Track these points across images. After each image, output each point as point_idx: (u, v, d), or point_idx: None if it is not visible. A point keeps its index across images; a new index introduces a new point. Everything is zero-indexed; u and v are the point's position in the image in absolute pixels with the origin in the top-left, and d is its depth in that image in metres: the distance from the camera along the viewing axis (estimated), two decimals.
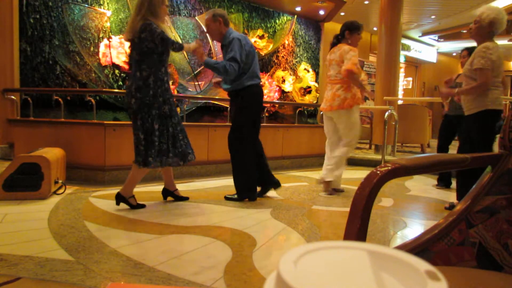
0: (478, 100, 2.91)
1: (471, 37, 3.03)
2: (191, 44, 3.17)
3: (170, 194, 3.22)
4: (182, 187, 3.83)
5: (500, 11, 2.89)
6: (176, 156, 2.95)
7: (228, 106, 5.95)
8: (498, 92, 2.90)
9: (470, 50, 3.89)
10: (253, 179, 3.34)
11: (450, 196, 3.90)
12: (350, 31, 3.64)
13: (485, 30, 2.87)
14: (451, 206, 3.13)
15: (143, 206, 2.96)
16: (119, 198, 2.89)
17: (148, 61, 2.83)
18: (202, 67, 6.41)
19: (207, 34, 3.37)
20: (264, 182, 3.48)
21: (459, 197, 3.17)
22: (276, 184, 3.52)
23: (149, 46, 2.80)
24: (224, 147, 4.82)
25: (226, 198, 3.31)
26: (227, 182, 4.14)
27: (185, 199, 3.23)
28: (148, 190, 3.56)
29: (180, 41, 6.05)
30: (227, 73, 3.11)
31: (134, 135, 2.88)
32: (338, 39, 3.71)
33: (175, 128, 2.95)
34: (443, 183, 4.32)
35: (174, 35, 5.96)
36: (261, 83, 3.41)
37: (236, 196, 3.30)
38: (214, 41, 6.36)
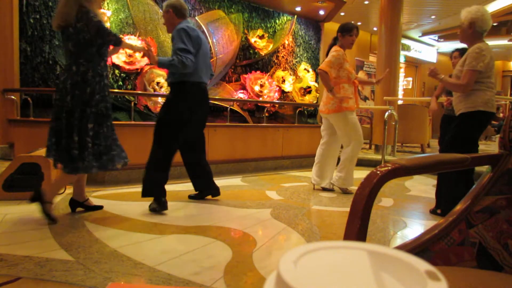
0: (469, 100, 2.85)
1: (461, 42, 3.02)
2: (137, 46, 3.01)
3: (80, 205, 2.85)
4: (182, 187, 3.83)
5: (478, 9, 2.83)
6: (111, 160, 2.64)
7: (228, 106, 5.96)
8: (490, 93, 2.85)
9: (461, 51, 3.87)
10: (160, 184, 2.96)
11: None
12: (342, 33, 3.70)
13: (467, 32, 2.83)
14: (433, 210, 3.14)
15: (53, 219, 2.54)
16: (35, 199, 2.53)
17: (85, 54, 2.52)
18: None
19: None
20: (203, 188, 3.32)
21: (438, 203, 3.15)
22: (215, 191, 3.33)
23: (87, 37, 2.50)
24: (225, 147, 4.84)
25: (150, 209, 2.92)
26: (227, 182, 4.14)
27: (99, 208, 2.90)
28: None
29: None
30: (185, 67, 2.79)
31: (65, 137, 2.51)
32: (334, 41, 3.79)
33: (110, 129, 2.66)
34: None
35: None
36: (204, 83, 3.08)
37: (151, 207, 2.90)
38: (215, 41, 6.37)
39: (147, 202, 3.10)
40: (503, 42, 11.55)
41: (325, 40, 8.69)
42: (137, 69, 5.40)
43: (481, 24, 2.79)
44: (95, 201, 3.06)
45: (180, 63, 2.76)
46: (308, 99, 7.76)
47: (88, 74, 2.53)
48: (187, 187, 3.86)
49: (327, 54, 3.83)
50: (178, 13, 2.96)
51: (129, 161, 2.77)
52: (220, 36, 6.56)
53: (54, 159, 2.58)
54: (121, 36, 2.56)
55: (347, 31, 3.67)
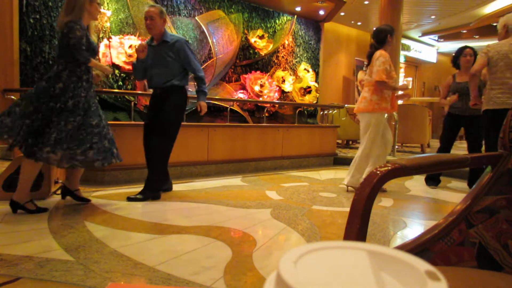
0: (484, 100, 3.19)
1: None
2: (101, 65, 3.13)
3: (70, 193, 3.01)
4: (182, 187, 3.83)
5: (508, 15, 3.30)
6: (71, 157, 2.69)
7: (228, 106, 5.96)
8: (495, 91, 2.98)
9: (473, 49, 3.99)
10: (163, 179, 3.41)
11: (450, 196, 3.91)
12: (391, 35, 3.74)
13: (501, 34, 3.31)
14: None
15: (45, 209, 2.74)
16: (14, 205, 2.67)
17: (66, 56, 2.73)
18: (202, 67, 6.41)
19: (146, 24, 3.24)
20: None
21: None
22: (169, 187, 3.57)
23: (68, 43, 2.69)
24: (225, 147, 4.84)
25: (129, 199, 3.14)
26: (227, 182, 4.14)
27: (87, 200, 3.02)
28: None
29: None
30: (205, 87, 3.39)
31: (30, 121, 2.64)
32: (375, 48, 3.75)
33: (77, 128, 2.69)
34: (434, 182, 4.34)
35: None
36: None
37: (140, 196, 3.16)
38: (215, 41, 6.37)
39: (147, 202, 3.10)
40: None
41: (325, 40, 8.69)
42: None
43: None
44: (95, 201, 3.07)
45: (203, 82, 3.34)
46: (308, 99, 7.76)
47: (63, 72, 2.72)
48: (187, 187, 3.86)
49: (369, 62, 3.77)
50: (165, 22, 3.32)
51: (103, 166, 2.85)
52: (220, 36, 6.56)
53: (14, 140, 2.66)
54: (90, 58, 2.79)
55: (391, 32, 3.75)
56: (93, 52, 2.87)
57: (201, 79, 3.32)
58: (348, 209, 0.80)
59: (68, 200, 3.08)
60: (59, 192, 3.24)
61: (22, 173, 2.70)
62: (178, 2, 6.10)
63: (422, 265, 0.31)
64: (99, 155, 2.76)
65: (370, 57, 3.77)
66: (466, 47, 4.09)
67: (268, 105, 7.05)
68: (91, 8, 2.81)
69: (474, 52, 4.01)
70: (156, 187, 3.26)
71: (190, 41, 6.27)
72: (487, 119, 3.30)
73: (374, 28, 3.90)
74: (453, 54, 4.17)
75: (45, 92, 2.68)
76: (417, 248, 0.91)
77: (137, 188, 3.32)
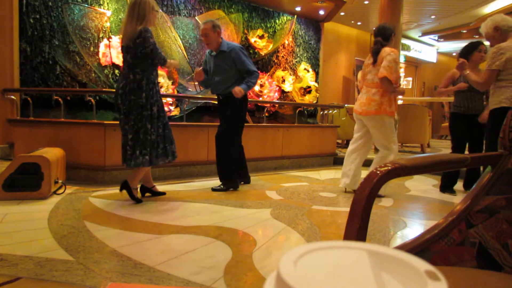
0: (494, 97, 3.03)
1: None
2: (174, 62, 3.37)
3: (148, 190, 3.33)
4: (182, 187, 3.84)
5: (494, 16, 3.18)
6: (165, 154, 3.12)
7: None
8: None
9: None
10: (235, 171, 3.82)
11: (450, 196, 3.91)
12: (394, 34, 3.61)
13: (496, 36, 3.14)
14: None
15: (140, 201, 3.10)
16: (125, 186, 3.06)
17: (142, 65, 3.00)
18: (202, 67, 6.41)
19: (203, 41, 3.72)
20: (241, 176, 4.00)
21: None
22: (247, 180, 4.08)
23: (143, 52, 2.96)
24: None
25: (213, 189, 3.66)
26: None
27: (163, 193, 3.38)
28: None
29: (180, 44, 6.05)
30: (254, 84, 3.74)
31: (124, 136, 3.05)
32: (381, 45, 3.53)
33: (164, 128, 3.11)
34: (449, 190, 4.02)
35: (174, 35, 5.96)
36: None
37: (223, 187, 3.69)
38: None
39: (147, 202, 3.10)
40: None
41: (325, 40, 8.69)
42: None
43: (504, 24, 3.05)
44: (95, 201, 3.07)
45: (254, 82, 3.69)
46: (308, 99, 7.76)
47: (143, 81, 2.99)
48: (187, 187, 3.86)
49: (375, 60, 3.55)
50: (220, 34, 3.64)
51: (173, 160, 3.20)
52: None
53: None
54: (166, 58, 3.11)
55: (394, 32, 3.63)
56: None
57: (251, 72, 3.64)
58: (348, 209, 0.80)
59: (68, 200, 3.08)
60: (59, 192, 3.25)
61: (139, 171, 3.08)
62: (178, 2, 6.10)
63: (422, 265, 0.31)
64: (174, 148, 3.20)
65: (376, 53, 3.53)
66: (481, 42, 3.88)
67: (268, 105, 7.05)
68: (152, 16, 3.05)
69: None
70: (234, 177, 3.75)
71: (190, 41, 6.27)
72: (497, 118, 3.04)
73: (378, 25, 3.72)
74: (465, 46, 3.92)
75: (135, 104, 2.98)
76: (417, 248, 0.91)
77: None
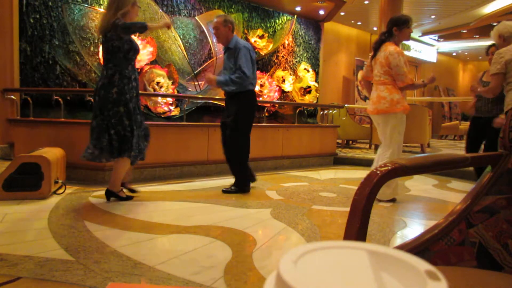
0: (505, 101, 3.10)
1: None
2: (159, 23, 3.25)
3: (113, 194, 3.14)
4: (182, 187, 3.83)
5: (498, 26, 3.29)
6: (140, 153, 3.02)
7: None
8: None
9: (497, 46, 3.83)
10: (248, 173, 3.73)
11: (450, 196, 3.91)
12: (399, 27, 3.33)
13: (500, 43, 3.25)
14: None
15: (130, 198, 3.10)
16: (109, 194, 3.01)
17: (114, 60, 2.87)
18: (202, 67, 6.42)
19: (214, 34, 3.66)
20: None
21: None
22: (253, 178, 3.88)
23: (115, 45, 2.84)
24: None
25: (224, 191, 3.56)
26: (227, 182, 4.14)
27: (130, 198, 3.18)
28: (148, 190, 3.56)
29: (179, 43, 6.03)
30: (237, 84, 3.45)
31: (102, 133, 2.90)
32: (385, 37, 3.35)
33: (138, 126, 2.99)
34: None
35: (174, 35, 5.96)
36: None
37: (234, 188, 3.59)
38: (215, 41, 6.37)
39: (147, 202, 3.10)
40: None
41: (325, 39, 8.70)
42: (137, 68, 5.41)
43: (506, 31, 3.18)
44: (95, 201, 3.07)
45: (235, 81, 3.42)
46: (308, 99, 7.76)
47: (115, 77, 2.85)
48: (187, 187, 3.86)
49: (375, 53, 3.39)
50: (233, 29, 3.54)
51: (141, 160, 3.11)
52: None
53: (100, 157, 2.91)
54: (145, 22, 2.97)
55: (404, 23, 3.33)
56: (135, 51, 2.97)
57: (239, 71, 3.42)
58: (348, 209, 0.80)
59: (68, 200, 3.08)
60: (59, 192, 3.25)
61: (117, 171, 2.98)
62: (178, 2, 6.10)
63: (422, 265, 0.31)
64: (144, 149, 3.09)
65: (378, 44, 3.37)
66: (493, 44, 3.70)
67: (268, 105, 7.05)
68: (133, 11, 2.93)
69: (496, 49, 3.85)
70: (246, 181, 3.65)
71: (190, 41, 6.27)
72: None
73: (393, 16, 3.49)
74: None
75: (106, 100, 2.85)
76: (417, 248, 0.91)
77: (137, 188, 3.32)
